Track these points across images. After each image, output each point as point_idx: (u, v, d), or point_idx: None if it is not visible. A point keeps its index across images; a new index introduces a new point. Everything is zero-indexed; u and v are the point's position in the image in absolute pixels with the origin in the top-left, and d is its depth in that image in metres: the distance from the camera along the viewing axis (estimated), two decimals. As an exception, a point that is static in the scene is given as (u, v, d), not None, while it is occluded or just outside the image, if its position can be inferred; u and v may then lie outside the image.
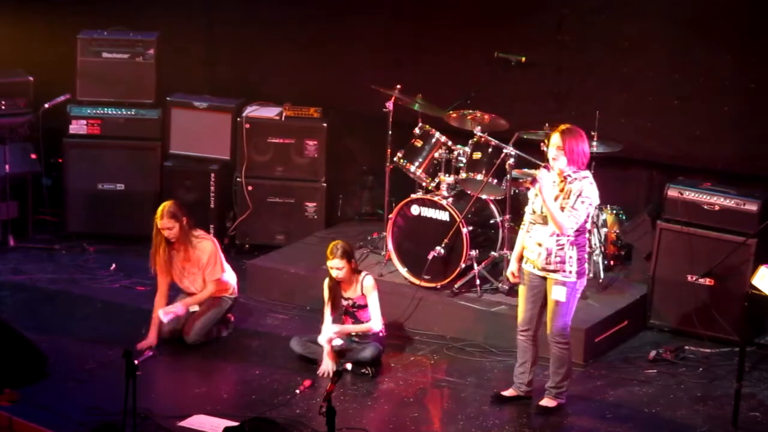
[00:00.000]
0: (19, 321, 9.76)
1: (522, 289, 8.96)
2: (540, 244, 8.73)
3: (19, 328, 9.32)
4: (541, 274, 8.79)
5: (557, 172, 8.68)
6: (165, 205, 9.91)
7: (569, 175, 8.67)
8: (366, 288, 9.61)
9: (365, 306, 9.65)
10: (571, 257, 8.70)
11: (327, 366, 9.48)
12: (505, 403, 9.07)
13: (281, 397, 9.09)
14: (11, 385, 8.83)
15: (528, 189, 8.93)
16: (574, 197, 8.62)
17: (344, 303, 9.68)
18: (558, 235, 8.66)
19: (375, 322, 9.63)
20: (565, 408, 9.07)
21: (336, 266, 9.53)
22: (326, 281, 9.70)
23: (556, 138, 8.65)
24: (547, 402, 8.99)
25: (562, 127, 8.74)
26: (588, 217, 8.74)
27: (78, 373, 9.32)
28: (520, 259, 8.96)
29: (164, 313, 9.79)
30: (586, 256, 8.84)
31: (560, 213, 8.59)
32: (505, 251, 10.26)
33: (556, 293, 8.75)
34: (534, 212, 8.80)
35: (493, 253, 10.46)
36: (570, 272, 8.71)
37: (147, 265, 10.07)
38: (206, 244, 9.99)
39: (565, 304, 8.77)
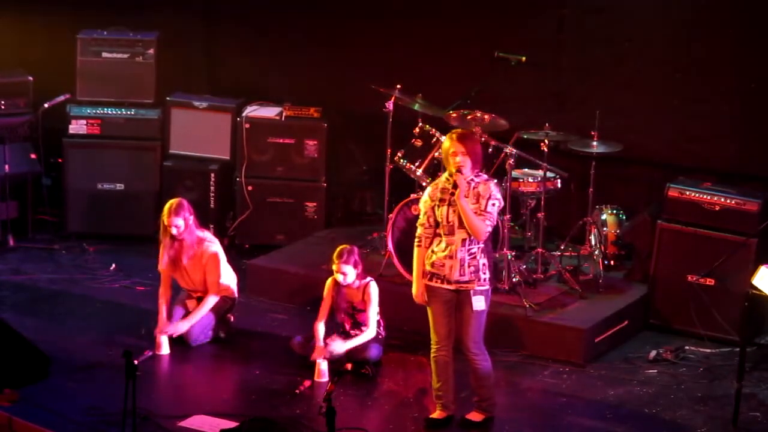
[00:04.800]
0: (19, 321, 9.77)
1: (434, 306, 8.58)
2: (451, 257, 8.47)
3: (19, 328, 9.31)
4: (453, 287, 8.52)
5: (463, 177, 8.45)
6: (172, 203, 9.92)
7: (473, 179, 8.48)
8: (370, 295, 9.62)
9: (362, 310, 9.66)
10: (484, 264, 8.49)
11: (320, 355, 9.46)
12: (440, 428, 8.72)
13: (281, 397, 9.09)
14: (11, 385, 8.83)
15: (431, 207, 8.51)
16: (483, 201, 8.41)
17: (344, 305, 9.69)
18: (468, 244, 8.45)
19: (371, 330, 9.62)
20: (565, 408, 9.10)
21: (342, 272, 9.54)
22: (329, 282, 9.69)
23: (456, 145, 8.38)
24: (474, 416, 8.75)
25: (458, 132, 8.51)
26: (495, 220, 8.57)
27: (78, 373, 9.32)
28: (423, 276, 8.63)
29: (170, 330, 9.84)
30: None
31: (477, 218, 8.38)
32: (505, 251, 10.25)
33: (477, 303, 8.48)
34: (434, 224, 8.49)
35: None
36: (485, 280, 8.51)
37: (147, 265, 10.08)
38: (211, 248, 9.98)
39: (483, 313, 8.54)
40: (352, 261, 9.55)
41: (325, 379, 9.34)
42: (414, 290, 8.69)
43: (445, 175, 8.58)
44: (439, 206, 8.51)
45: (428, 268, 8.58)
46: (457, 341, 8.66)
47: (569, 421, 8.96)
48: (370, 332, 9.63)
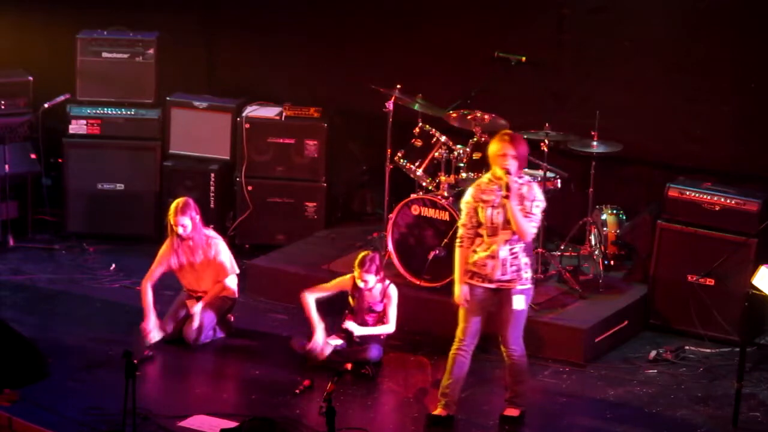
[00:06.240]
0: (19, 321, 9.78)
1: (470, 304, 8.63)
2: (493, 257, 8.53)
3: (19, 328, 9.31)
4: (494, 286, 8.56)
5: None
6: (178, 202, 9.95)
7: (515, 181, 8.50)
8: (390, 297, 9.69)
9: (377, 312, 9.69)
10: (526, 263, 8.56)
11: (319, 341, 9.53)
12: (441, 426, 8.72)
13: (281, 397, 9.09)
14: (11, 385, 8.83)
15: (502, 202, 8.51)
16: (528, 203, 8.48)
17: (364, 306, 9.73)
18: (512, 244, 8.49)
19: (392, 326, 9.71)
20: (565, 408, 9.10)
21: (364, 279, 9.58)
22: (348, 279, 9.73)
23: (506, 146, 8.42)
24: (511, 412, 8.79)
25: (507, 132, 8.59)
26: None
27: (78, 373, 9.33)
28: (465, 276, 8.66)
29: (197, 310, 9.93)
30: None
31: (525, 220, 8.44)
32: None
33: (517, 303, 8.54)
34: (476, 225, 8.53)
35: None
36: (526, 279, 8.57)
37: (147, 265, 10.07)
38: (217, 241, 10.02)
39: (524, 312, 8.62)
40: (373, 269, 9.58)
41: (321, 345, 9.48)
42: (456, 291, 8.68)
43: (487, 175, 8.63)
44: (482, 207, 8.54)
45: (469, 267, 8.61)
46: (497, 338, 8.71)
47: (569, 421, 8.97)
48: (389, 327, 9.69)
